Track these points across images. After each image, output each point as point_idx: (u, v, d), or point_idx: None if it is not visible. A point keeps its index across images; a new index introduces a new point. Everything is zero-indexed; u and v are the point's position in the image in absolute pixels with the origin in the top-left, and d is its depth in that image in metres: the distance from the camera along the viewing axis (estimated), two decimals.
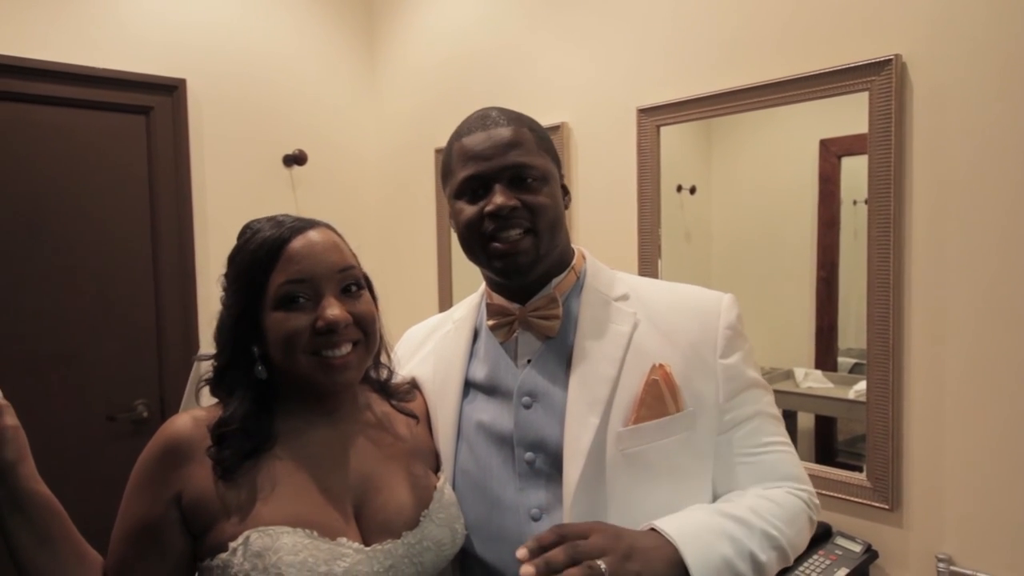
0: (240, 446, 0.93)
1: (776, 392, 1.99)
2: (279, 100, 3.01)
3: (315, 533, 0.90)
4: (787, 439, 1.05)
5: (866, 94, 1.67)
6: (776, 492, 0.99)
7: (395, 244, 3.24)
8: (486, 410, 1.05)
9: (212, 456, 0.92)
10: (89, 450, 2.54)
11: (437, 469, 1.08)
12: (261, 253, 0.95)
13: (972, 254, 1.55)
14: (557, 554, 0.78)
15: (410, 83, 3.10)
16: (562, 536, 0.81)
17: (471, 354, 1.10)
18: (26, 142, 2.43)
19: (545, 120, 2.40)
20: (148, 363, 2.70)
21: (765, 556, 0.91)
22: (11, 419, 0.89)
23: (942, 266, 1.59)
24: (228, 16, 2.86)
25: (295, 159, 3.00)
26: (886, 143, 1.64)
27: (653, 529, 0.88)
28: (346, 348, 0.95)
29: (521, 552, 0.80)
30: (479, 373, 1.08)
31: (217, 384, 1.00)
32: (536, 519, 0.98)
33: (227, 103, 2.86)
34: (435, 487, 1.02)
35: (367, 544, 0.93)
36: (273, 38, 2.99)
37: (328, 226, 1.02)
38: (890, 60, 1.62)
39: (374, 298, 1.05)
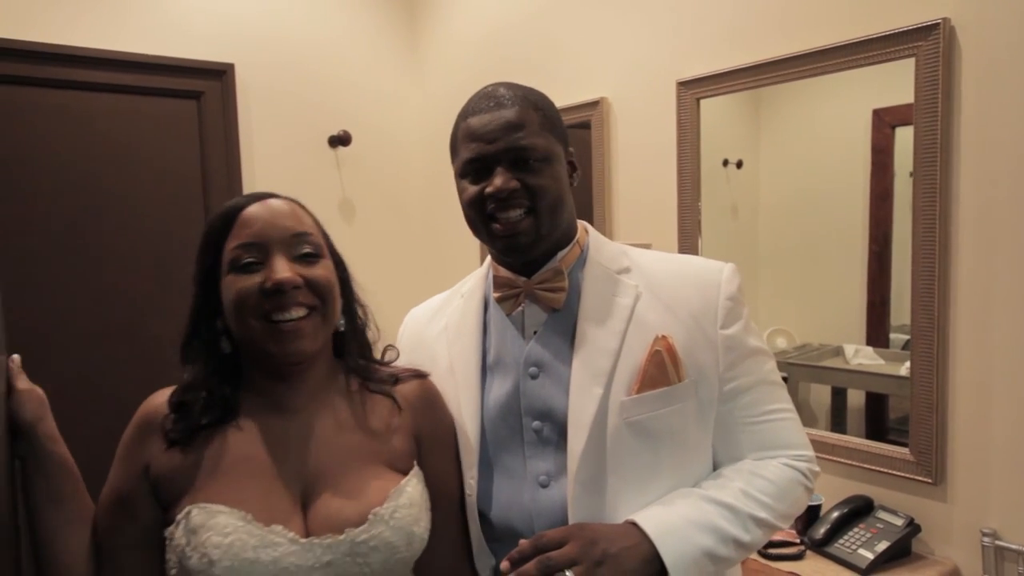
0: (194, 419, 0.93)
1: (824, 368, 1.99)
2: (324, 81, 3.06)
3: (250, 517, 0.87)
4: (789, 405, 1.06)
5: (913, 60, 1.62)
6: (770, 465, 1.01)
7: (438, 222, 3.28)
8: (496, 380, 1.07)
9: (165, 426, 0.93)
10: None
11: (407, 469, 1.00)
12: (218, 220, 0.95)
13: (1021, 226, 1.50)
14: (529, 569, 0.83)
15: (451, 62, 3.11)
16: (538, 548, 0.86)
17: (484, 328, 1.11)
18: (83, 128, 2.54)
19: (584, 96, 2.40)
20: None
21: (750, 536, 0.95)
22: (23, 383, 0.91)
23: (990, 238, 1.54)
24: (273, 1, 2.92)
25: (340, 140, 3.06)
26: (933, 111, 1.59)
27: (635, 523, 0.91)
28: (297, 312, 0.92)
29: (504, 565, 0.86)
30: (490, 346, 1.10)
31: (182, 355, 0.99)
32: (544, 486, 1.01)
33: (273, 86, 2.93)
34: (394, 487, 0.95)
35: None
36: (317, 21, 3.04)
37: (294, 200, 1.00)
38: (937, 24, 1.57)
39: (343, 272, 1.03)
